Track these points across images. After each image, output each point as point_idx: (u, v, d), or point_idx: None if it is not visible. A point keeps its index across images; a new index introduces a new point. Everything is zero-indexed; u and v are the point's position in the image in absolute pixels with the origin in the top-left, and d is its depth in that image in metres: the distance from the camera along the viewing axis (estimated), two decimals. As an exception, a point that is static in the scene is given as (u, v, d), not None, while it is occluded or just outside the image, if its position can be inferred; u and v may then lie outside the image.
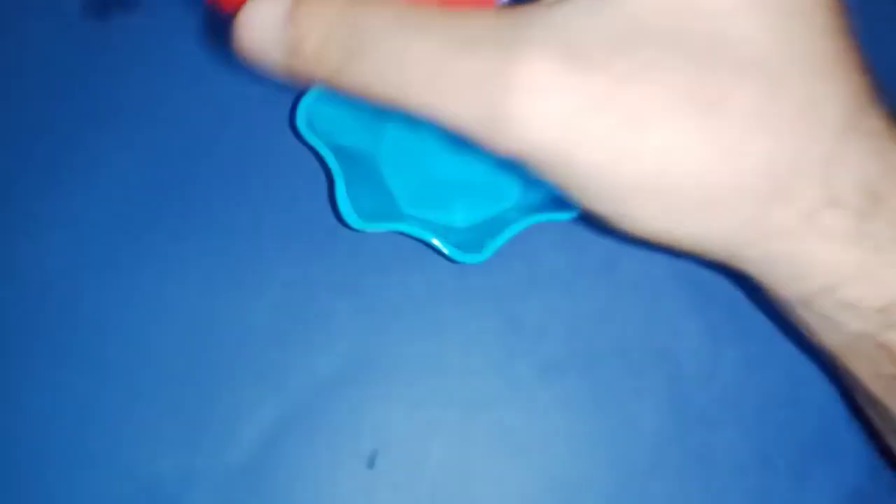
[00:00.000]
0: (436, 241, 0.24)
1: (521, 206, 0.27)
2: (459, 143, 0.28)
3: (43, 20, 0.30)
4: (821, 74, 0.15)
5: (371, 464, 0.26)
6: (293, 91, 0.29)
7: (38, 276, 0.27)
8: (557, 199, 0.25)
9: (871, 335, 0.17)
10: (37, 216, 0.28)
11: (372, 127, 0.28)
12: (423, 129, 0.29)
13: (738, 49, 0.15)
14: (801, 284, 0.16)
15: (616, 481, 0.26)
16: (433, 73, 0.15)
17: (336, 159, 0.24)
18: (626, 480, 0.26)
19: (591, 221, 0.17)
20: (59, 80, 0.29)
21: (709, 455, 0.26)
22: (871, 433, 0.25)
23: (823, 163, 0.15)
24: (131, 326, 0.27)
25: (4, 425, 0.26)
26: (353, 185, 0.24)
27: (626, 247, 0.27)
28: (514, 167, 0.17)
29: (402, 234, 0.25)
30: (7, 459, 0.25)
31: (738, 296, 0.27)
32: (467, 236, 0.26)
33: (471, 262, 0.24)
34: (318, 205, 0.28)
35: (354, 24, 0.16)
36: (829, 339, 0.18)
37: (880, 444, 0.25)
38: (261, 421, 0.26)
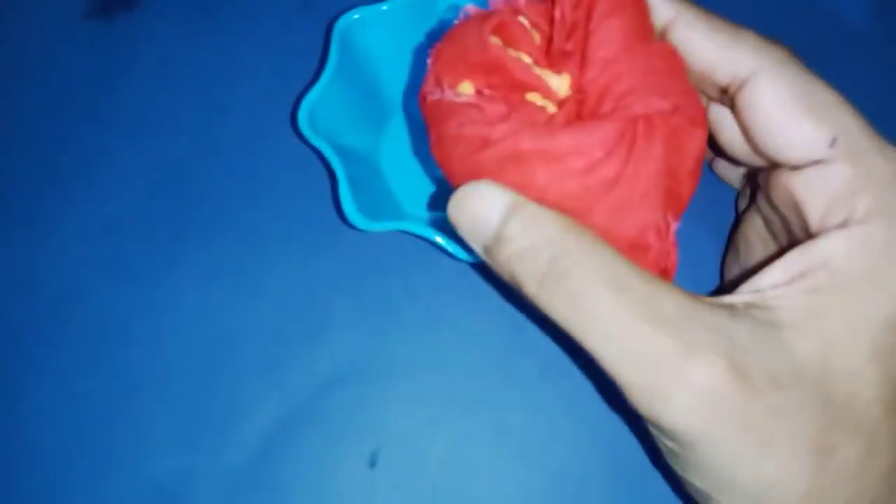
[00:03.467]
0: (440, 240, 0.24)
1: None
2: None
3: (44, 20, 0.30)
4: None
5: (372, 463, 0.26)
6: (294, 91, 0.29)
7: (37, 275, 0.27)
8: None
9: None
10: (36, 216, 0.28)
11: (372, 127, 0.28)
12: (420, 131, 0.29)
13: (860, 411, 0.18)
14: None
15: (616, 481, 0.26)
16: (617, 331, 0.17)
17: (338, 159, 0.24)
18: (626, 480, 0.26)
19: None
20: (59, 80, 0.29)
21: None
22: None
23: None
24: (131, 326, 0.27)
25: (4, 425, 0.26)
26: (355, 186, 0.24)
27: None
28: None
29: (405, 233, 0.25)
30: (7, 459, 0.25)
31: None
32: None
33: (475, 260, 0.24)
34: (319, 204, 0.28)
35: (564, 250, 0.18)
36: None
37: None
38: (262, 420, 0.26)
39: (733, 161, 0.23)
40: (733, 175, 0.26)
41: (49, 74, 0.29)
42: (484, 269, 0.27)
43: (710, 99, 0.22)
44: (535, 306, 0.19)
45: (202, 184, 0.28)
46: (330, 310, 0.27)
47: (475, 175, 0.19)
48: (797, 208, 0.20)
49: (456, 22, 0.20)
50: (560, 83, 0.19)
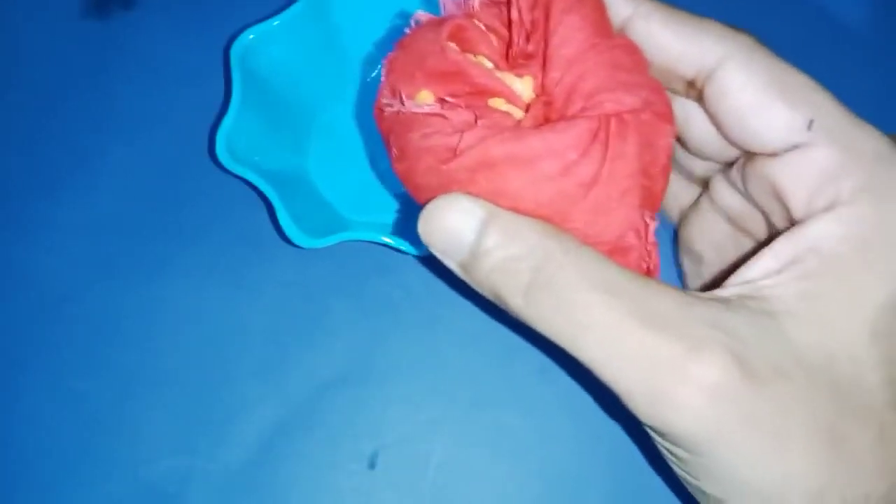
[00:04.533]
0: (387, 240, 0.24)
1: None
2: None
3: (43, 19, 0.30)
4: None
5: (371, 464, 0.26)
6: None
7: (36, 275, 0.27)
8: None
9: None
10: (29, 215, 0.28)
11: (294, 146, 0.28)
12: (344, 138, 0.28)
13: (868, 396, 0.17)
14: None
15: (616, 481, 0.26)
16: (612, 336, 0.16)
17: (269, 185, 0.24)
18: (626, 480, 0.26)
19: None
20: (54, 79, 0.29)
21: (709, 455, 0.26)
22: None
23: None
24: (130, 326, 0.27)
25: (4, 425, 0.26)
26: (292, 206, 0.24)
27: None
28: None
29: (356, 241, 0.25)
30: (7, 459, 0.25)
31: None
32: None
33: (426, 253, 0.24)
34: (318, 204, 0.28)
35: (547, 257, 0.17)
36: None
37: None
38: (259, 422, 0.26)
39: (700, 157, 0.22)
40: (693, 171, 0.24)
41: (43, 73, 0.29)
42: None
43: (675, 93, 0.21)
44: (521, 321, 0.18)
45: (198, 183, 0.28)
46: (328, 310, 0.27)
47: (444, 188, 0.18)
48: (778, 196, 0.19)
49: (407, 30, 0.19)
50: (523, 86, 0.19)
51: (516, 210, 0.17)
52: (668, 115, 0.18)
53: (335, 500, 0.25)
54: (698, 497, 0.19)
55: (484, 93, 0.18)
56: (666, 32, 0.19)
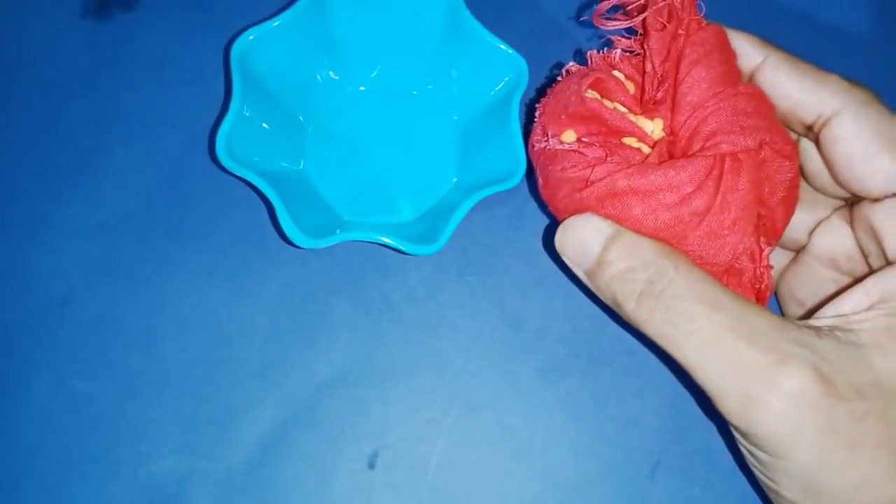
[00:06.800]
0: (386, 240, 0.24)
1: (462, 186, 0.27)
2: (384, 143, 0.28)
3: (43, 20, 0.30)
4: None
5: (371, 464, 0.26)
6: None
7: (33, 276, 0.27)
8: (495, 172, 0.26)
9: None
10: (32, 216, 0.28)
11: (294, 146, 0.28)
12: (344, 139, 0.28)
13: None
14: None
15: (616, 481, 0.26)
16: (711, 343, 0.19)
17: (269, 185, 0.24)
18: (626, 480, 0.26)
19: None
20: (56, 79, 0.29)
21: (710, 455, 0.26)
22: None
23: None
24: (130, 326, 0.27)
25: (4, 425, 0.26)
26: (291, 206, 0.24)
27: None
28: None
29: (356, 241, 0.25)
30: (7, 459, 0.25)
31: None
32: (418, 229, 0.26)
33: (426, 253, 0.24)
34: (318, 204, 0.28)
35: (660, 272, 0.20)
36: None
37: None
38: (260, 421, 0.26)
39: (818, 191, 0.24)
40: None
41: (45, 73, 0.29)
42: (484, 270, 0.27)
43: (797, 134, 0.23)
44: (631, 323, 0.21)
45: (198, 183, 0.28)
46: (329, 311, 0.27)
47: (578, 212, 0.21)
48: (876, 238, 0.21)
49: (559, 78, 0.23)
50: (654, 127, 0.22)
51: (638, 232, 0.21)
52: (788, 152, 0.21)
53: (335, 500, 0.25)
54: (776, 502, 0.20)
55: (618, 132, 0.22)
56: (790, 82, 0.22)
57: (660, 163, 0.21)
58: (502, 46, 0.26)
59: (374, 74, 0.29)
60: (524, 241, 0.28)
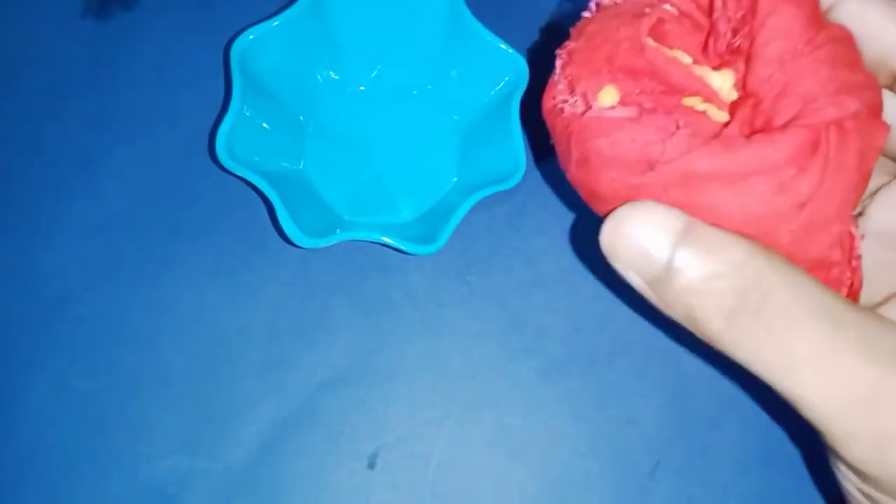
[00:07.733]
0: (386, 240, 0.24)
1: (462, 186, 0.27)
2: (384, 143, 0.28)
3: (43, 20, 0.30)
4: None
5: (371, 464, 0.26)
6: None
7: (36, 274, 0.27)
8: (495, 172, 0.25)
9: None
10: (32, 215, 0.28)
11: (294, 146, 0.28)
12: (344, 138, 0.28)
13: None
14: None
15: (616, 481, 0.26)
16: (834, 372, 0.14)
17: (269, 185, 0.24)
18: (626, 480, 0.26)
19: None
20: (56, 79, 0.29)
21: (710, 455, 0.26)
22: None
23: None
24: (130, 326, 0.27)
25: (4, 425, 0.26)
26: (291, 206, 0.24)
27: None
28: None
29: (356, 241, 0.24)
30: (7, 459, 0.25)
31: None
32: (419, 228, 0.26)
33: (426, 252, 0.24)
34: (318, 204, 0.28)
35: (757, 278, 0.15)
36: None
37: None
38: (260, 421, 0.26)
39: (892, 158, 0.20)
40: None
41: (45, 73, 0.29)
42: (484, 270, 0.27)
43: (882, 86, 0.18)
44: (713, 345, 0.16)
45: (198, 183, 0.28)
46: (329, 310, 0.27)
47: (631, 199, 0.16)
48: None
49: (586, 14, 0.17)
50: (723, 81, 0.17)
51: (716, 226, 0.15)
52: (879, 114, 0.16)
53: (335, 500, 0.25)
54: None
55: (678, 91, 0.16)
56: (882, 18, 0.17)
57: (747, 135, 0.15)
58: (502, 46, 0.26)
59: (374, 74, 0.29)
60: (524, 241, 0.28)
